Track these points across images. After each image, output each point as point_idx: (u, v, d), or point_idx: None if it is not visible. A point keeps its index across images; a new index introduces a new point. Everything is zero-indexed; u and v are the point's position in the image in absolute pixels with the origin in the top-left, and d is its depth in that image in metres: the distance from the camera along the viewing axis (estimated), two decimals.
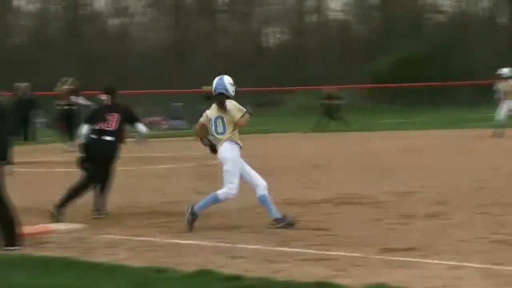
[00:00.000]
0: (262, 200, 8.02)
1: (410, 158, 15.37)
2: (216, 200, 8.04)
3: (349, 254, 6.37)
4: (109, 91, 9.72)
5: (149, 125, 36.22)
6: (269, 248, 6.79)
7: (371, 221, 7.95)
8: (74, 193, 8.95)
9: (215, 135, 8.09)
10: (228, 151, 8.01)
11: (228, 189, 7.97)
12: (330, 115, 26.96)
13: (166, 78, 52.18)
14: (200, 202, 8.00)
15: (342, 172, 13.03)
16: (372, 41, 63.62)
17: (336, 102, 27.21)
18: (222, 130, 8.04)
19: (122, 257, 6.60)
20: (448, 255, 6.17)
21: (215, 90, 8.19)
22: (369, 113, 40.07)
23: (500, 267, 5.71)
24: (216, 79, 8.31)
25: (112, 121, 9.35)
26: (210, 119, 8.13)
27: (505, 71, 21.10)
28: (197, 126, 8.47)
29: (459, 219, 7.87)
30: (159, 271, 5.95)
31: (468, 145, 18.17)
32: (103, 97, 9.72)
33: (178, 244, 7.19)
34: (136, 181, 12.54)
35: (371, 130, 25.31)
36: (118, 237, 7.60)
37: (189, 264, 6.15)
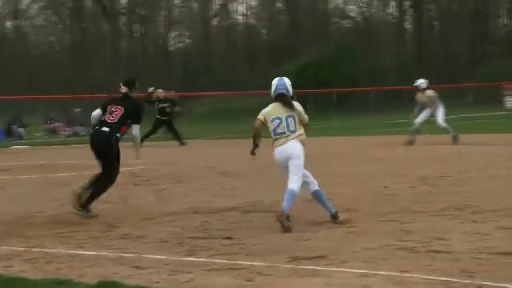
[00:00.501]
0: (317, 194, 8.60)
1: (320, 164, 15.55)
2: (295, 195, 8.37)
3: (257, 263, 6.39)
4: (126, 84, 9.88)
5: (49, 131, 35.79)
6: (175, 258, 6.75)
7: (279, 229, 8.00)
8: (102, 189, 9.37)
9: (285, 131, 8.39)
10: (300, 148, 8.48)
11: (300, 182, 8.43)
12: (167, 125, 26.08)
13: (65, 82, 51.45)
14: (285, 205, 8.16)
15: (251, 180, 13.09)
16: (279, 45, 64.23)
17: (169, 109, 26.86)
18: (294, 128, 8.40)
19: (20, 269, 6.44)
20: (356, 263, 6.27)
21: (275, 90, 8.60)
22: None
23: (408, 274, 5.83)
24: (276, 80, 8.76)
25: (116, 114, 9.52)
26: (270, 118, 8.43)
27: (421, 81, 21.55)
28: (256, 124, 8.62)
29: (367, 227, 8.01)
30: (59, 283, 5.83)
31: (376, 151, 18.54)
32: (122, 89, 9.83)
33: (79, 254, 7.07)
34: (38, 190, 12.30)
35: None
36: (16, 248, 7.43)
37: (91, 275, 6.06)
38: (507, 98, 49.15)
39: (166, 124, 24.20)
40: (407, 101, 46.20)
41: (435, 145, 19.98)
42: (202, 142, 26.38)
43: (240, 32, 70.88)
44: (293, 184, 8.41)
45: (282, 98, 8.53)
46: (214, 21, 70.53)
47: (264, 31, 71.67)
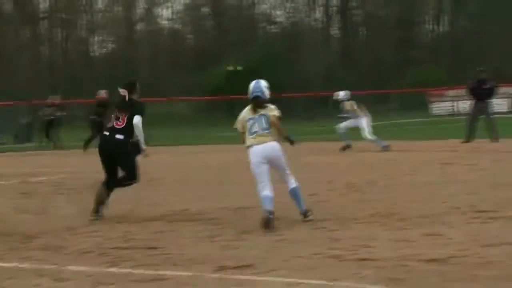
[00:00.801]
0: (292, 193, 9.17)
1: (247, 172, 15.58)
2: (299, 190, 9.16)
3: (183, 273, 6.36)
4: (126, 87, 10.10)
5: None
6: (98, 269, 6.67)
7: (206, 238, 7.98)
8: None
9: (259, 130, 8.91)
10: (279, 148, 9.06)
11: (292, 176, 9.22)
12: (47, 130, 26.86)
13: None
14: (299, 205, 9.02)
15: (176, 187, 13.03)
16: (205, 51, 64.19)
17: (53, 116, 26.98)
18: (266, 126, 8.94)
19: None
20: (284, 272, 6.28)
21: (252, 93, 9.14)
22: (204, 126, 40.36)
23: (336, 282, 5.87)
24: (253, 83, 9.29)
25: (123, 119, 9.80)
26: (246, 120, 8.99)
27: (341, 94, 21.73)
28: (240, 135, 9.20)
29: (295, 235, 8.04)
30: None
31: (304, 158, 18.65)
32: (122, 92, 10.02)
33: None
34: None
35: (208, 143, 25.50)
36: None
37: None
38: (434, 105, 50.16)
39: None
40: (334, 107, 46.82)
41: (364, 151, 20.23)
42: None
43: (165, 37, 70.64)
44: (293, 182, 9.19)
45: (257, 100, 9.07)
46: (139, 26, 70.10)
47: (190, 36, 71.56)
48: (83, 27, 66.83)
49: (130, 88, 10.08)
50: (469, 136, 21.04)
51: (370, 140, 20.61)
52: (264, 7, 70.19)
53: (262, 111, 9.01)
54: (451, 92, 49.87)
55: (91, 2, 66.40)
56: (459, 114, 48.08)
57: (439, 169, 14.60)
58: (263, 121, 8.97)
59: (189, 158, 19.96)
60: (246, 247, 7.53)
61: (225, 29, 67.15)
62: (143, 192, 12.44)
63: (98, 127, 22.65)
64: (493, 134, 20.98)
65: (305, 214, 8.94)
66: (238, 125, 9.19)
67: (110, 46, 70.04)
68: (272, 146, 8.97)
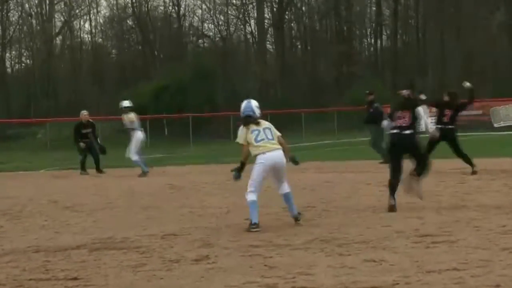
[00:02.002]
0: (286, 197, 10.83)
1: (175, 196, 15.58)
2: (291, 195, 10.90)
3: None
4: (409, 87, 12.85)
5: None
6: None
7: (132, 268, 7.94)
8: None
9: (265, 138, 10.49)
10: (284, 159, 10.63)
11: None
12: None
13: None
14: (290, 209, 10.76)
15: (100, 214, 12.93)
16: (131, 66, 63.94)
17: None
18: (271, 137, 10.56)
19: None
20: None
21: (243, 112, 10.69)
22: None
23: None
24: (245, 102, 10.88)
25: (408, 117, 12.33)
26: (250, 132, 10.51)
27: (125, 103, 21.90)
28: (242, 138, 10.64)
29: (229, 262, 8.05)
30: None
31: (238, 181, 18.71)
32: (404, 92, 12.58)
33: None
34: None
35: (132, 166, 25.34)
36: None
37: None
38: None
39: None
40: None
41: (302, 173, 20.39)
42: (43, 173, 25.86)
43: (86, 52, 70.14)
44: (287, 188, 10.77)
45: (249, 119, 10.59)
46: (57, 40, 69.45)
47: (114, 51, 71.17)
48: None
49: (412, 88, 13.08)
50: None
51: (135, 161, 21.13)
52: (193, 20, 70.24)
53: (266, 125, 10.67)
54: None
55: (5, 15, 65.58)
56: None
57: (380, 191, 14.80)
58: (268, 132, 10.56)
59: (112, 182, 19.82)
60: (174, 276, 7.52)
61: (151, 43, 66.99)
62: (62, 218, 12.35)
63: (89, 147, 23.17)
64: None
65: (296, 218, 10.63)
66: (240, 140, 10.61)
67: (26, 61, 69.24)
68: (280, 155, 10.52)
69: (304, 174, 19.76)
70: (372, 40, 73.84)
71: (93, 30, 70.26)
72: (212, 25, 70.69)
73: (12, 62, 69.05)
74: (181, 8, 68.99)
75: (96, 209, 13.71)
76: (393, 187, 12.02)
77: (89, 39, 70.66)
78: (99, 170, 23.04)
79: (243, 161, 10.64)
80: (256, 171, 10.46)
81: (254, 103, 10.80)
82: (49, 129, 45.21)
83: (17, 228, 11.50)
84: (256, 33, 69.97)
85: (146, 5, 68.27)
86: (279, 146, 10.56)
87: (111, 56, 70.80)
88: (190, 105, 49.83)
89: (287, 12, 70.14)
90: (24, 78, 64.97)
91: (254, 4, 68.89)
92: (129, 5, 68.73)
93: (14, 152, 38.98)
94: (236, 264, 7.95)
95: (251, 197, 10.46)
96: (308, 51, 71.78)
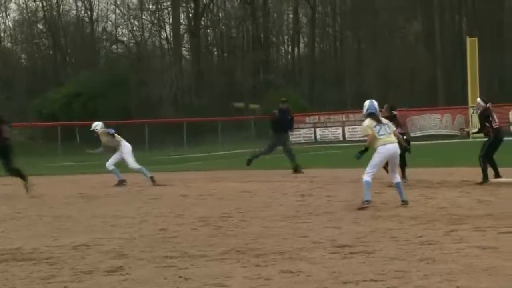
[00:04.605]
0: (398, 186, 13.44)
1: (87, 206, 15.42)
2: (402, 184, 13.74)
3: None
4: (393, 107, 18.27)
5: None
6: None
7: (42, 279, 7.82)
8: None
9: (386, 133, 13.08)
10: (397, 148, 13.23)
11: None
12: None
13: None
14: (401, 195, 13.32)
15: (8, 224, 12.71)
16: (41, 72, 63.12)
17: None
18: (390, 132, 13.19)
19: None
20: None
21: (368, 110, 13.36)
22: (39, 155, 39.52)
23: None
24: (368, 102, 13.56)
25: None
26: (372, 127, 13.10)
27: (95, 125, 21.55)
28: (368, 133, 13.19)
29: (142, 274, 7.99)
30: None
31: (150, 190, 18.63)
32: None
33: None
34: None
35: (42, 174, 24.99)
36: None
37: None
38: (290, 132, 50.94)
39: None
40: (188, 133, 46.97)
41: (219, 182, 20.40)
42: None
43: None
44: (398, 178, 13.46)
45: (373, 116, 13.26)
46: None
47: (23, 56, 70.14)
48: None
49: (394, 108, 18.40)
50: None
51: (112, 170, 20.84)
52: (106, 25, 69.71)
53: (385, 122, 13.28)
54: (311, 119, 51.03)
55: None
56: (319, 142, 49.34)
57: (298, 201, 14.91)
58: (387, 127, 13.16)
59: (21, 191, 19.50)
60: None
61: (63, 48, 66.23)
62: None
63: None
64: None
65: (405, 202, 13.20)
66: (368, 131, 13.13)
67: None
68: (397, 147, 13.11)
69: (222, 183, 19.81)
70: (290, 48, 74.42)
71: (2, 34, 69.13)
72: (126, 30, 70.31)
73: None
74: (94, 13, 68.43)
75: (4, 219, 13.48)
76: None
77: None
78: None
79: (367, 147, 13.19)
80: (376, 158, 13.00)
81: (375, 103, 13.47)
82: None
83: None
84: (171, 38, 69.82)
85: (57, 9, 67.49)
86: (395, 140, 13.11)
87: (21, 61, 69.76)
88: (103, 111, 49.42)
89: (203, 18, 70.14)
90: None
91: (169, 9, 68.72)
92: (40, 8, 67.86)
93: None
94: (150, 276, 7.90)
95: (367, 178, 12.96)
96: (224, 57, 71.96)
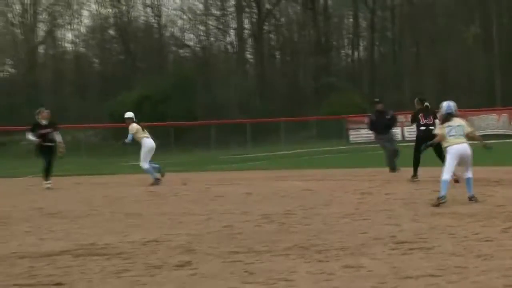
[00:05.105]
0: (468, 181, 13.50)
1: (157, 203, 15.56)
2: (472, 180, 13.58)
3: None
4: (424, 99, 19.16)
5: None
6: None
7: (115, 274, 7.93)
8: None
9: (456, 134, 13.35)
10: (470, 150, 13.31)
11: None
12: None
13: None
14: (469, 190, 13.39)
15: (83, 220, 12.90)
16: (113, 76, 63.76)
17: None
18: (462, 133, 13.38)
19: None
20: None
21: (446, 110, 13.79)
22: (111, 155, 39.98)
23: None
24: (446, 103, 13.94)
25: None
26: (445, 127, 13.45)
27: (127, 114, 21.85)
28: (439, 134, 13.68)
29: (210, 269, 8.05)
30: None
31: (217, 188, 18.72)
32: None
33: None
34: None
35: (116, 173, 25.26)
36: None
37: None
38: (351, 132, 50.86)
39: None
40: (252, 134, 47.09)
41: (282, 180, 20.42)
42: (28, 180, 25.78)
43: (69, 61, 69.90)
44: (470, 173, 13.42)
45: (451, 115, 13.64)
46: (40, 49, 69.20)
47: (96, 61, 70.98)
48: None
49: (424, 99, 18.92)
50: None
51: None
52: (174, 31, 70.16)
53: (458, 123, 13.49)
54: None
55: None
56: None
57: (358, 199, 14.86)
58: (459, 129, 13.38)
59: (95, 189, 19.77)
60: (157, 282, 7.51)
61: (133, 53, 66.86)
62: (46, 225, 12.31)
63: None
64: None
65: (471, 197, 13.34)
66: (443, 130, 13.47)
67: (10, 70, 68.93)
68: (465, 147, 13.25)
69: (284, 182, 19.83)
70: (350, 51, 74.08)
71: (76, 40, 70.08)
72: (193, 35, 70.67)
73: None
74: (162, 19, 68.94)
75: (80, 216, 13.67)
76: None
77: (72, 48, 70.46)
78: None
79: (437, 142, 14.09)
80: (448, 159, 13.28)
81: (453, 103, 13.90)
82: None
83: (1, 234, 11.44)
84: (236, 43, 70.04)
85: (128, 16, 68.16)
86: (464, 140, 13.30)
87: (94, 65, 70.62)
88: (171, 114, 49.80)
89: (266, 23, 70.21)
90: (7, 87, 64.65)
91: (234, 15, 68.95)
92: (111, 15, 68.62)
93: None
94: (217, 270, 7.96)
95: (445, 177, 13.13)
96: (287, 61, 71.91)
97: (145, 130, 21.27)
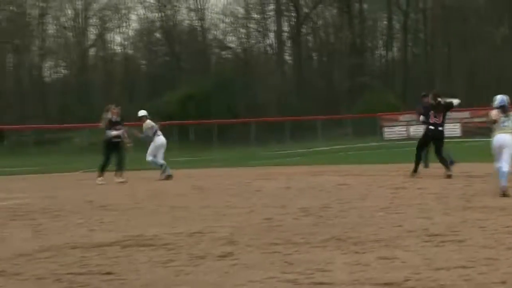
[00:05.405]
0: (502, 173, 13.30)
1: (200, 197, 15.60)
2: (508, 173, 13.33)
3: None
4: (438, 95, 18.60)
5: None
6: None
7: (161, 263, 7.95)
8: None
9: (507, 126, 13.48)
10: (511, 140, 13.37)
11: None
12: None
13: None
14: (501, 182, 13.13)
15: (131, 213, 12.97)
16: (159, 76, 64.04)
17: None
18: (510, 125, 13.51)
19: None
20: None
21: (499, 103, 13.80)
22: None
23: None
24: (500, 96, 13.99)
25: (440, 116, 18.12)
26: (499, 116, 13.53)
27: (141, 112, 22.11)
28: (492, 118, 13.61)
29: (251, 259, 8.05)
30: None
31: (255, 183, 18.72)
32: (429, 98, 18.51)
33: None
34: None
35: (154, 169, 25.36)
36: None
37: None
38: (386, 129, 50.62)
39: None
40: (290, 131, 47.07)
41: (319, 175, 20.36)
42: (80, 174, 26.00)
43: (118, 63, 70.40)
44: (505, 167, 13.19)
45: (503, 108, 13.70)
46: (91, 52, 69.76)
47: (143, 62, 71.39)
48: (35, 52, 66.33)
49: (439, 95, 18.46)
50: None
51: (152, 163, 21.27)
52: (216, 33, 70.35)
53: (509, 116, 13.59)
54: (403, 117, 50.45)
55: (43, 27, 65.99)
56: (411, 138, 48.72)
57: (392, 193, 14.76)
58: (510, 123, 13.51)
59: (141, 184, 19.87)
60: (201, 272, 7.52)
61: (178, 54, 67.14)
62: (96, 217, 12.39)
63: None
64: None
65: (504, 191, 13.04)
66: (494, 117, 13.52)
67: (63, 71, 69.60)
68: (505, 138, 13.33)
69: (321, 177, 19.76)
70: (383, 52, 73.69)
71: (124, 42, 70.55)
72: (234, 38, 70.79)
73: (50, 72, 69.44)
74: (205, 22, 69.14)
75: (128, 208, 13.75)
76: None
77: (121, 50, 70.95)
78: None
79: (491, 123, 13.82)
80: (493, 150, 13.55)
81: (506, 97, 14.01)
82: (84, 134, 45.49)
83: (55, 225, 11.54)
84: (275, 45, 70.08)
85: (173, 19, 68.46)
86: (509, 131, 13.41)
87: (141, 66, 71.04)
88: (213, 112, 49.94)
89: (304, 26, 70.14)
90: (60, 87, 65.29)
91: (273, 18, 69.00)
92: (157, 19, 68.98)
93: (52, 155, 39.19)
94: (257, 261, 7.95)
95: (496, 165, 13.47)
96: (323, 62, 71.76)
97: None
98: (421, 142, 18.85)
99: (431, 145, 19.02)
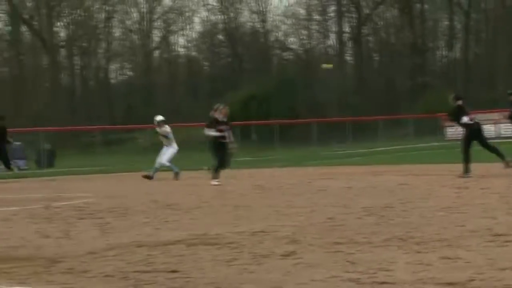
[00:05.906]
0: None
1: (263, 196, 15.62)
2: None
3: None
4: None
5: None
6: None
7: (225, 262, 7.97)
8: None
9: None
10: None
11: None
12: None
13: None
14: None
15: (196, 212, 13.05)
16: (221, 77, 64.38)
17: None
18: None
19: None
20: None
21: None
22: None
23: None
24: None
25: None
26: None
27: (159, 118, 22.14)
28: None
29: (313, 258, 8.02)
30: None
31: (318, 182, 18.67)
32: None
33: None
34: None
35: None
36: None
37: None
38: (448, 129, 50.00)
39: None
40: (351, 131, 46.86)
41: (380, 175, 20.22)
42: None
43: (181, 65, 70.96)
44: None
45: None
46: (155, 54, 70.46)
47: (206, 63, 71.84)
48: (102, 55, 67.28)
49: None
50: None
51: (166, 166, 21.57)
52: (278, 34, 70.40)
53: None
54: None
55: (109, 30, 66.88)
56: None
57: (455, 193, 14.57)
58: None
59: (205, 183, 19.97)
60: (264, 270, 7.51)
61: (240, 56, 67.38)
62: (162, 216, 12.51)
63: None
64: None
65: None
66: None
67: (128, 73, 70.46)
68: None
69: (382, 177, 19.62)
70: (445, 52, 72.87)
71: (188, 44, 71.07)
72: (296, 39, 70.77)
73: (115, 74, 70.37)
74: (267, 24, 69.25)
75: (192, 207, 13.84)
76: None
77: (184, 52, 71.51)
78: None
79: None
80: None
81: None
82: (148, 134, 45.92)
83: (122, 224, 11.68)
84: (336, 45, 69.84)
85: (235, 21, 68.75)
86: None
87: (204, 67, 71.50)
88: (275, 112, 49.96)
89: (364, 26, 69.76)
90: (125, 88, 66.08)
91: (335, 19, 68.80)
92: (220, 21, 69.35)
93: (116, 155, 39.70)
94: (320, 260, 7.91)
95: None
96: (384, 62, 71.27)
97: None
98: (469, 141, 18.81)
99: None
